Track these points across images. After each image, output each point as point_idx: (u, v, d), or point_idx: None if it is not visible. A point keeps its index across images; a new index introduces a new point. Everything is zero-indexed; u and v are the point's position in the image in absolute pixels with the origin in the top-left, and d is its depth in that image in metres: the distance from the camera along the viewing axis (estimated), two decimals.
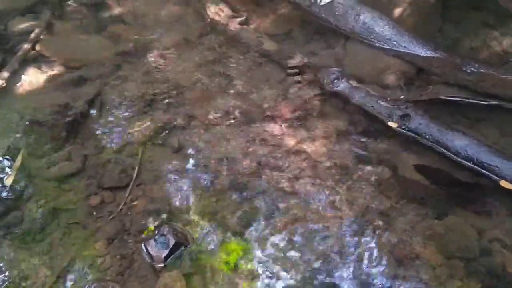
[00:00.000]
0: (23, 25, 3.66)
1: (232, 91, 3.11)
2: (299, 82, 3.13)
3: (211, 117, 2.94)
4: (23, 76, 3.25)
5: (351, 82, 3.00)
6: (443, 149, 2.58)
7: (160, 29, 3.69)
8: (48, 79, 3.25)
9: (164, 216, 2.42)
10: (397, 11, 3.38)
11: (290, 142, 2.76)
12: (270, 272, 2.19)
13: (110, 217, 2.43)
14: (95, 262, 2.25)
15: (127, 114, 2.99)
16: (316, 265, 2.21)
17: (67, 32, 3.69)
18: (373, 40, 3.24)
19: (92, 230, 2.38)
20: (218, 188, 2.54)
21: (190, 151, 2.75)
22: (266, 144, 2.75)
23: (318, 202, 2.46)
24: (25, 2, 3.87)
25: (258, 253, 2.27)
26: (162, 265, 2.22)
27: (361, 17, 3.28)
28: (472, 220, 2.32)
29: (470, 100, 2.81)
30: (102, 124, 2.94)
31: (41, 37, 3.57)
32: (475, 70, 2.89)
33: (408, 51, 3.13)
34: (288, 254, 2.26)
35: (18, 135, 2.84)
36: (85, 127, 2.93)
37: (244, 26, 3.57)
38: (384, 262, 2.20)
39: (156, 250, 2.24)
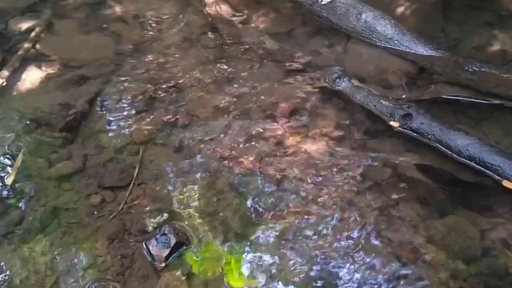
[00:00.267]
0: (24, 24, 3.64)
1: (233, 90, 3.10)
2: (300, 81, 3.12)
3: (211, 116, 2.93)
4: (23, 75, 3.24)
5: (352, 81, 2.99)
6: (445, 149, 2.57)
7: (161, 28, 3.68)
8: (49, 78, 3.23)
9: (165, 215, 2.41)
10: (399, 10, 3.38)
11: (291, 141, 2.75)
12: (271, 271, 2.18)
13: (111, 216, 2.42)
14: (96, 261, 2.24)
15: (127, 113, 2.98)
16: (316, 265, 2.20)
17: (67, 31, 3.67)
18: (374, 39, 3.24)
19: (92, 230, 2.37)
20: (219, 188, 2.53)
21: (191, 150, 2.74)
22: (267, 143, 2.74)
23: (318, 201, 2.45)
24: (26, 1, 3.85)
25: (259, 253, 2.25)
26: (163, 264, 2.21)
27: (363, 16, 3.28)
28: (474, 220, 2.31)
29: (472, 100, 2.80)
30: (103, 123, 2.93)
31: (42, 36, 3.55)
32: (477, 69, 2.89)
33: (410, 51, 3.13)
34: (288, 253, 2.25)
35: (18, 134, 2.84)
36: (85, 126, 2.91)
37: (245, 25, 3.57)
38: (386, 262, 2.19)
39: (157, 249, 2.23)
